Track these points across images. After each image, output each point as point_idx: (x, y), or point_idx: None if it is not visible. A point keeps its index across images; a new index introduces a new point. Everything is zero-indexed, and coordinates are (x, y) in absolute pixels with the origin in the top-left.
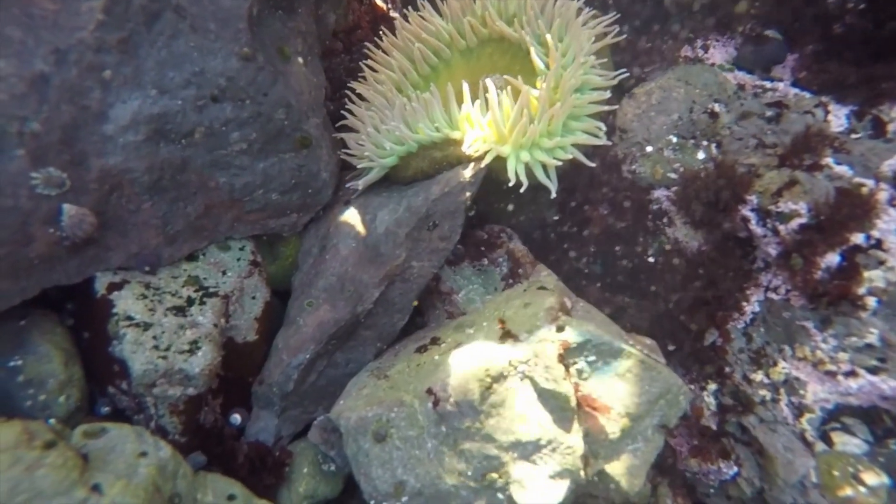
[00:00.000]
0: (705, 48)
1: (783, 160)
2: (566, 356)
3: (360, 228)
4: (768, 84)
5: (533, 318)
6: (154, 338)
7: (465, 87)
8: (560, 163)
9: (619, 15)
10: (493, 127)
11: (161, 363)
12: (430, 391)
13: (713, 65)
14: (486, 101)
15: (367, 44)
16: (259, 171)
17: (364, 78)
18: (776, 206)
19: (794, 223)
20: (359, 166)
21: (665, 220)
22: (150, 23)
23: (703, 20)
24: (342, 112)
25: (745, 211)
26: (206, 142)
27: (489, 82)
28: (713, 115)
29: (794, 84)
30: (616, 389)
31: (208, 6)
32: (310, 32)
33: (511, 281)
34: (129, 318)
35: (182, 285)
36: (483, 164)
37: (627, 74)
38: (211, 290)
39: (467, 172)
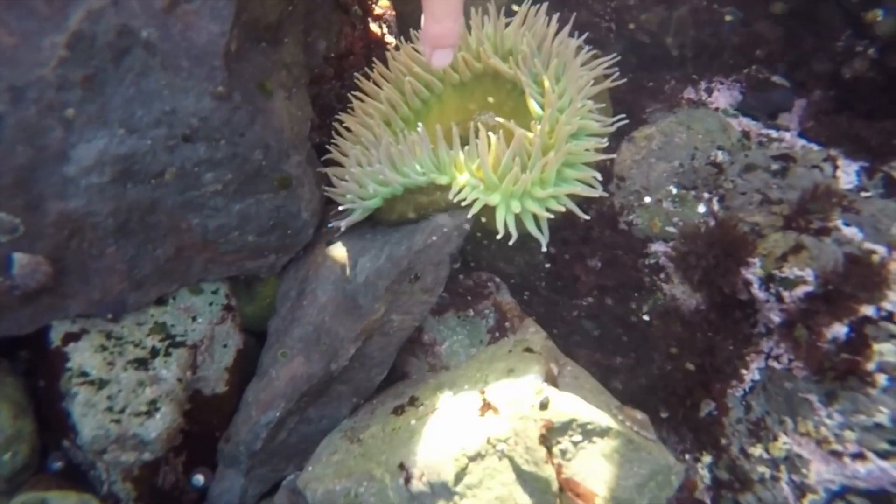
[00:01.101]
0: (709, 91)
1: (789, 221)
2: (549, 436)
3: (340, 274)
4: (774, 133)
5: (516, 390)
6: (109, 398)
7: (454, 129)
8: (552, 216)
9: (619, 57)
10: (482, 173)
11: (113, 428)
12: (402, 466)
13: (717, 109)
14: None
15: (356, 74)
16: (235, 212)
17: (353, 109)
18: (780, 271)
19: (800, 291)
20: (340, 208)
21: (662, 275)
22: (117, 59)
23: (708, 61)
24: (328, 146)
25: (747, 274)
26: (178, 183)
27: (480, 126)
28: (716, 165)
29: (802, 134)
30: (602, 472)
31: (181, 43)
32: (296, 63)
33: (497, 334)
34: (84, 373)
35: (147, 333)
36: (470, 215)
37: (627, 122)
38: (178, 338)
39: (453, 222)
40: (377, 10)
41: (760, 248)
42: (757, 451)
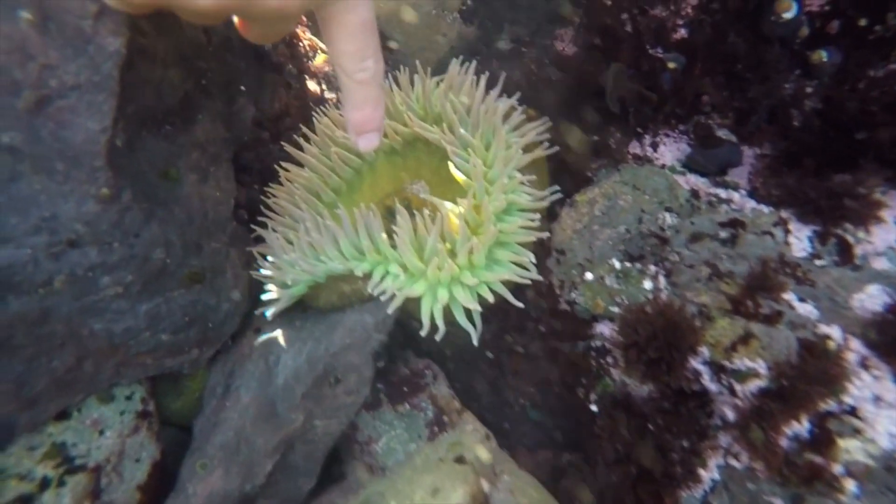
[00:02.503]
0: (654, 146)
1: (737, 305)
2: None
3: (264, 370)
4: (723, 193)
5: None
6: None
7: (374, 210)
8: (481, 310)
9: (550, 123)
10: (403, 260)
11: None
12: None
13: (664, 166)
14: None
15: (283, 143)
16: (142, 313)
17: (280, 183)
18: (731, 362)
19: (752, 385)
20: (264, 297)
21: (609, 359)
22: None
23: (651, 113)
24: (251, 226)
25: (696, 364)
26: (71, 289)
27: (400, 207)
28: (662, 232)
29: (752, 194)
30: None
31: (53, 144)
32: (214, 139)
33: (436, 428)
34: None
35: (39, 460)
36: (391, 310)
37: (560, 196)
38: (78, 461)
39: (374, 319)
40: (313, 67)
41: (708, 335)
42: None
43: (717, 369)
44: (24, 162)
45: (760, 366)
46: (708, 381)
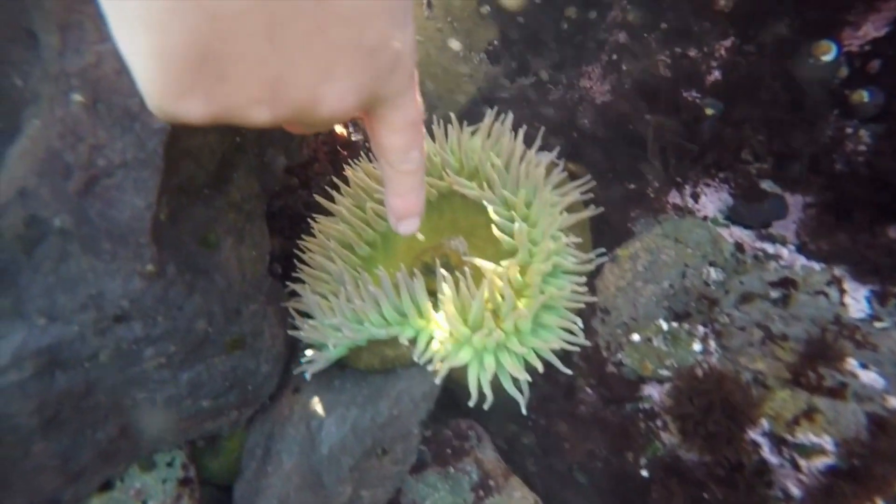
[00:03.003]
0: (695, 196)
1: (797, 374)
2: None
3: (306, 435)
4: (770, 248)
5: None
6: None
7: (416, 275)
8: (530, 379)
9: (593, 182)
10: (448, 325)
11: None
12: None
13: (706, 218)
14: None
15: (316, 195)
16: (184, 381)
17: (312, 234)
18: (793, 435)
19: (819, 462)
20: (302, 361)
21: (658, 422)
22: (30, 249)
23: (691, 163)
24: (285, 281)
25: (755, 436)
26: (115, 362)
27: (444, 273)
28: (710, 295)
29: (800, 249)
30: None
31: (101, 224)
32: (249, 196)
33: (482, 492)
34: None
35: None
36: (439, 380)
37: (607, 259)
38: None
39: (421, 389)
40: None
41: (767, 407)
42: None
43: (778, 441)
44: (74, 243)
45: (827, 442)
46: (768, 454)
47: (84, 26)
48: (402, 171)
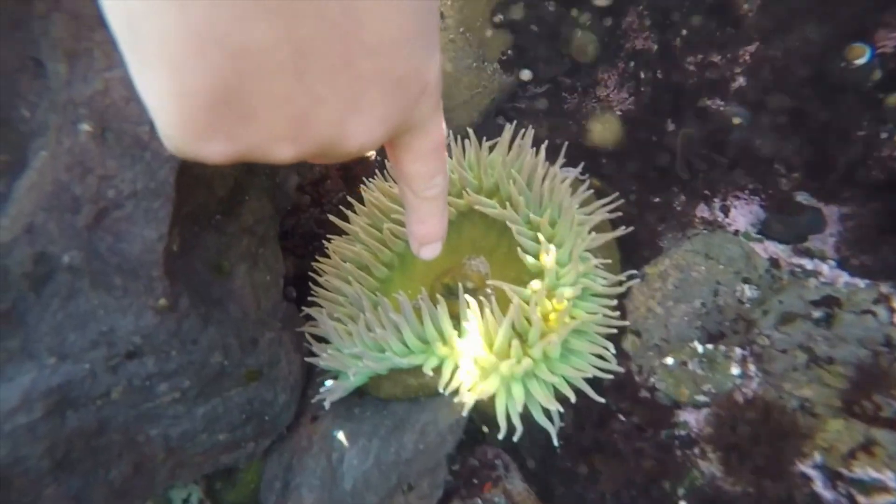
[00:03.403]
0: (725, 210)
1: (850, 403)
2: None
3: (326, 468)
4: (808, 264)
5: None
6: None
7: (440, 302)
8: (562, 409)
9: (620, 200)
10: (475, 356)
11: None
12: None
13: (737, 232)
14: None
15: (330, 216)
16: (199, 416)
17: (329, 250)
18: (849, 470)
19: (881, 500)
20: (321, 390)
21: (696, 450)
22: (38, 287)
23: (720, 175)
24: (300, 305)
25: (806, 468)
26: (128, 399)
27: (469, 299)
28: (746, 316)
29: (842, 265)
30: None
31: (111, 258)
32: (261, 219)
33: None
34: None
35: None
36: (465, 412)
37: (639, 280)
38: None
39: (447, 421)
40: None
41: (819, 438)
42: None
43: (833, 476)
44: (83, 279)
45: (890, 478)
46: (821, 488)
47: (93, 54)
48: (425, 197)
